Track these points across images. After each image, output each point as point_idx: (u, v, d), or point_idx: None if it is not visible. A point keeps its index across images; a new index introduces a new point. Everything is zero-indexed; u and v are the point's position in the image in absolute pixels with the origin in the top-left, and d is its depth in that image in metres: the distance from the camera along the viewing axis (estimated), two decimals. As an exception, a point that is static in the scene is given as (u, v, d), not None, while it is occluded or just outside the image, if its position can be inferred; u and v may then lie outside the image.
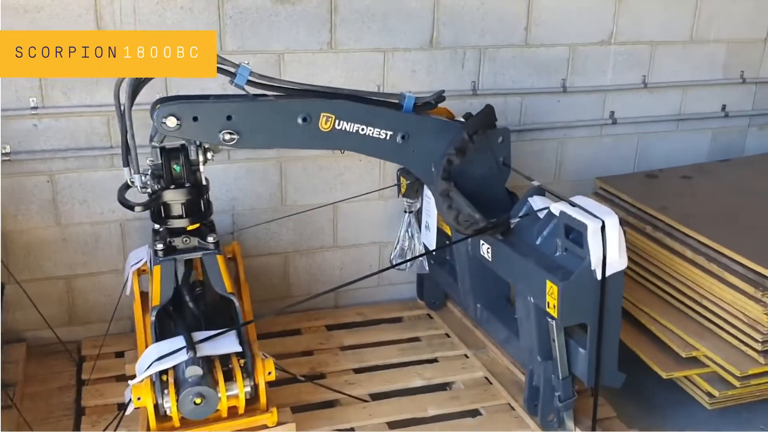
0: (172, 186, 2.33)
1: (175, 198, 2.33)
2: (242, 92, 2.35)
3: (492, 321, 2.92)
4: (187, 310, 2.43)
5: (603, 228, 2.24)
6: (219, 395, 2.13)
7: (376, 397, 2.89)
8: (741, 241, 2.73)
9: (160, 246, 2.38)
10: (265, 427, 2.38)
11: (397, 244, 3.16)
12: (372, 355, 3.14)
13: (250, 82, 2.33)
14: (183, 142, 2.36)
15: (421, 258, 3.17)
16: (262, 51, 3.07)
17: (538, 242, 2.50)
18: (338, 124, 2.44)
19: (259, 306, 3.38)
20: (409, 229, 3.14)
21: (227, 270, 2.40)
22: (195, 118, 2.27)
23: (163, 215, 2.37)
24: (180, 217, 2.37)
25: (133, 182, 2.30)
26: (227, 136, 2.31)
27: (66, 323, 3.21)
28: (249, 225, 3.28)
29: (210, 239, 2.42)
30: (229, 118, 2.31)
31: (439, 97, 2.66)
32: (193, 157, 2.36)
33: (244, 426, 2.32)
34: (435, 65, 3.33)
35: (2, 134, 2.86)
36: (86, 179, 3.03)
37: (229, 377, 2.24)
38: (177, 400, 2.10)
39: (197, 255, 2.41)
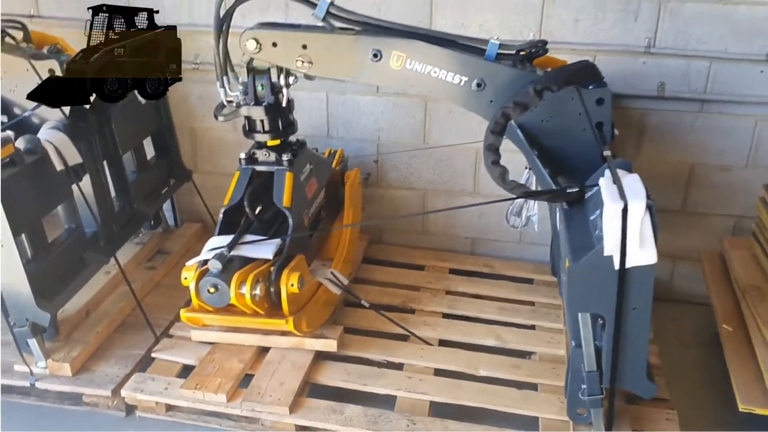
0: (252, 103, 2.59)
1: (252, 114, 2.60)
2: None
3: (569, 298, 2.69)
4: (262, 217, 2.71)
5: (625, 212, 1.95)
6: (230, 289, 2.39)
7: (444, 343, 2.90)
8: None
9: (242, 155, 2.69)
10: (307, 334, 2.68)
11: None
12: (469, 306, 3.12)
13: (330, 14, 2.45)
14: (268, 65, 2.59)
15: (533, 216, 3.01)
16: (414, -13, 3.13)
17: (592, 218, 2.24)
18: (409, 64, 2.44)
19: (392, 235, 3.58)
20: (528, 185, 2.99)
21: (292, 187, 2.61)
22: (274, 44, 2.49)
23: (247, 129, 2.66)
24: (259, 132, 2.64)
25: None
26: (300, 63, 2.48)
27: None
28: (391, 152, 3.42)
29: (284, 157, 2.65)
30: (304, 46, 2.48)
31: (537, 47, 2.47)
32: (274, 79, 2.58)
33: (260, 325, 2.57)
34: (603, 15, 3.02)
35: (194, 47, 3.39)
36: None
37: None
38: (197, 287, 2.42)
39: (271, 168, 2.67)
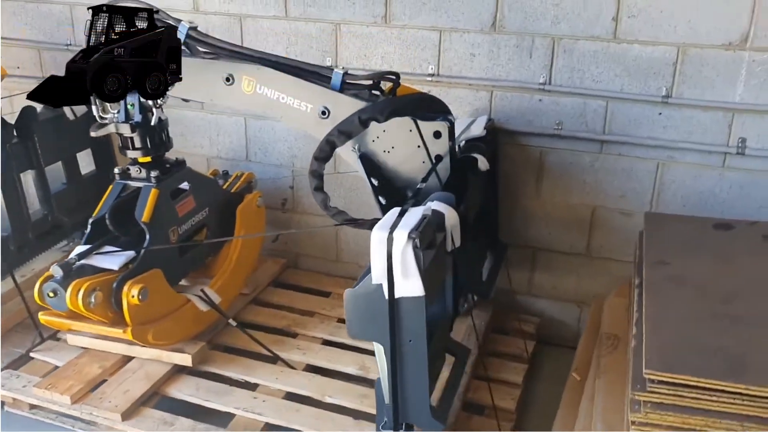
0: (122, 121, 2.72)
1: (119, 130, 2.72)
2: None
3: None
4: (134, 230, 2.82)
5: (390, 242, 1.94)
6: (68, 294, 2.50)
7: (310, 368, 2.92)
8: (670, 318, 1.99)
9: (116, 170, 2.83)
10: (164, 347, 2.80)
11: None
12: (351, 334, 3.12)
13: (190, 37, 2.57)
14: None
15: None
16: (320, 19, 3.21)
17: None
18: (259, 89, 2.52)
19: (308, 260, 3.64)
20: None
21: (155, 203, 2.71)
22: (139, 66, 2.63)
23: (120, 146, 2.80)
24: (129, 148, 2.76)
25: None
26: (162, 85, 2.61)
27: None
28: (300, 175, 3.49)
29: (152, 173, 2.76)
30: (165, 68, 2.60)
31: (385, 78, 2.50)
32: (142, 99, 2.71)
33: (101, 332, 2.66)
34: (497, 51, 3.01)
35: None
36: (182, 116, 3.61)
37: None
38: (40, 290, 2.55)
39: (139, 184, 2.78)
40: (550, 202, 3.15)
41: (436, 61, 3.11)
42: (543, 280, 3.29)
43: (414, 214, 2.04)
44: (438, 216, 2.14)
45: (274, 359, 2.94)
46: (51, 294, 2.52)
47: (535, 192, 3.15)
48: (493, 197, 3.10)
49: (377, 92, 2.54)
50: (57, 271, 2.53)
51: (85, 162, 3.64)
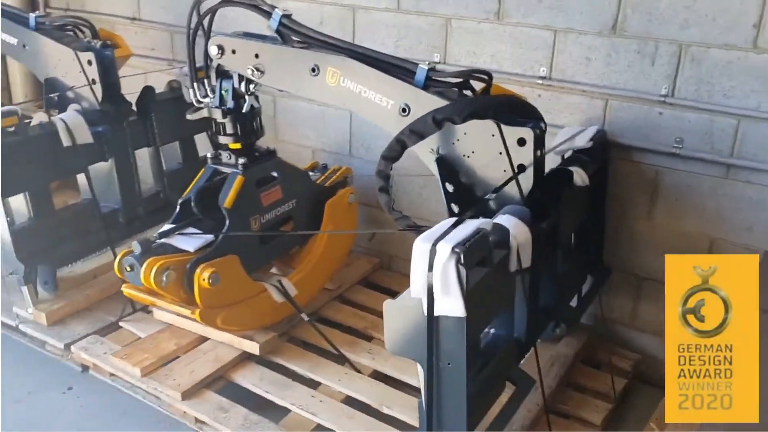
0: (215, 106, 2.75)
1: (212, 115, 2.75)
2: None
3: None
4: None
5: (432, 254, 1.78)
6: (142, 270, 2.54)
7: (377, 375, 2.81)
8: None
9: (209, 154, 2.86)
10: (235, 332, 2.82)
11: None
12: (429, 344, 2.97)
13: (283, 25, 2.54)
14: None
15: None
16: (431, 13, 3.08)
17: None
18: (343, 81, 2.44)
19: (400, 263, 3.53)
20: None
21: (239, 190, 2.71)
22: (233, 51, 2.63)
23: (213, 130, 2.83)
24: (221, 134, 2.78)
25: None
26: (251, 71, 2.60)
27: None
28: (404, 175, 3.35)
29: (240, 160, 2.77)
30: (256, 56, 2.59)
31: (472, 76, 2.34)
32: (236, 85, 2.71)
33: (175, 309, 2.69)
34: (616, 56, 2.73)
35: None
36: (293, 106, 3.61)
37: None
38: (119, 263, 2.62)
39: (228, 170, 2.79)
40: (662, 228, 2.82)
41: (549, 63, 2.88)
42: (648, 313, 2.96)
43: (467, 227, 1.87)
44: (500, 231, 1.95)
45: (342, 360, 2.86)
46: (128, 268, 2.59)
47: (647, 215, 2.83)
48: (598, 216, 2.82)
49: (468, 92, 2.38)
50: (136, 247, 2.59)
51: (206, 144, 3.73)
